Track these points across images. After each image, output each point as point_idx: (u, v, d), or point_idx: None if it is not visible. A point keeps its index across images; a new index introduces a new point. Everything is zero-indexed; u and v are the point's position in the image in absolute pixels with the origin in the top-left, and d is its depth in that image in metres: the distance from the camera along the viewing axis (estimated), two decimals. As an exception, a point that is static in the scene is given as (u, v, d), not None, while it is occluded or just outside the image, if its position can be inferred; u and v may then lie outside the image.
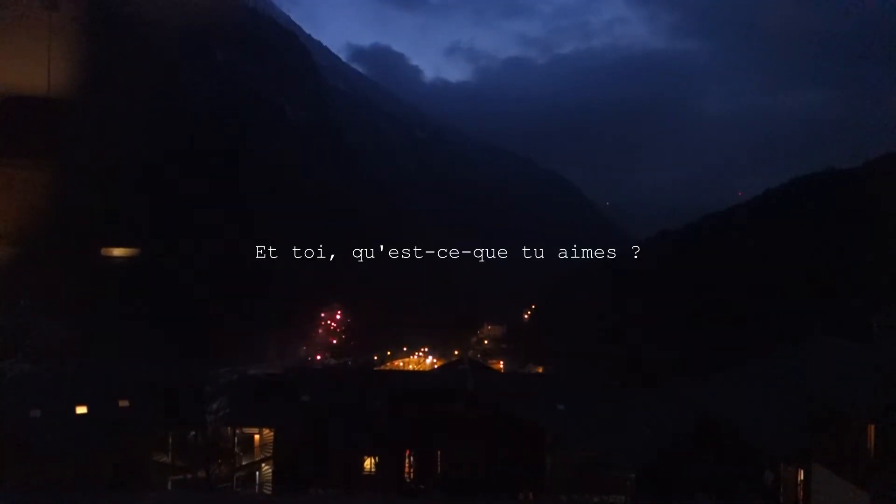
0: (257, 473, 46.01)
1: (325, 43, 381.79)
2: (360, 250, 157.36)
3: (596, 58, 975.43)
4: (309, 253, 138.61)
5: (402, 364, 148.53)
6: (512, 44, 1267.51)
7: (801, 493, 28.13)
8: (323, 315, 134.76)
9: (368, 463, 43.09)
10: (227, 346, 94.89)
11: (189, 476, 41.98)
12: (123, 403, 42.97)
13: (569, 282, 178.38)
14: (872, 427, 23.63)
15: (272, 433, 44.79)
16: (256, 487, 45.41)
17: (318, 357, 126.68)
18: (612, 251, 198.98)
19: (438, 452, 41.94)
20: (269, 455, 45.12)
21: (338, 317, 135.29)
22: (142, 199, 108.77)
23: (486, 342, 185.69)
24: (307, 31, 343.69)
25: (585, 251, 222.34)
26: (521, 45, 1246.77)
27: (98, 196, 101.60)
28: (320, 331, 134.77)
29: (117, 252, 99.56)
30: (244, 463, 45.58)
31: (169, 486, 41.46)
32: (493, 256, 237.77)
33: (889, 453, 22.63)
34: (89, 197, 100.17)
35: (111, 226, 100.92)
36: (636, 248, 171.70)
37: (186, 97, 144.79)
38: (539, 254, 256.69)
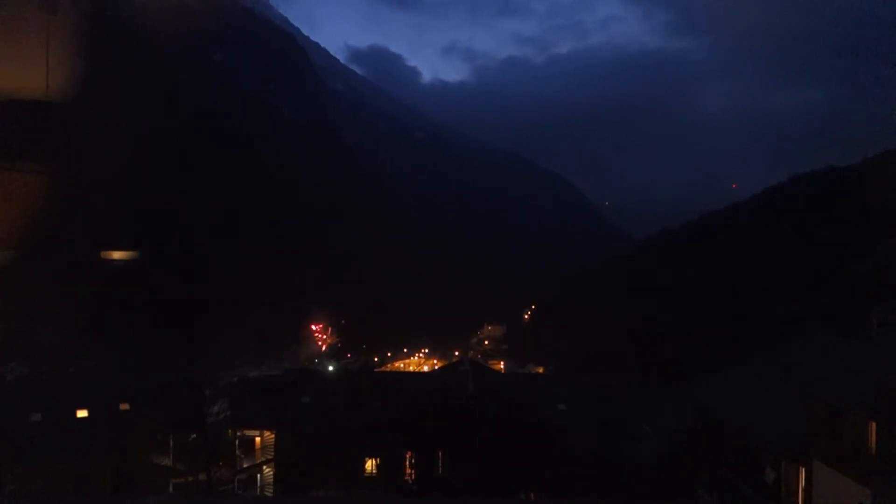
0: (259, 476, 45.95)
1: (322, 44, 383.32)
2: (360, 251, 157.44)
3: (593, 57, 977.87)
4: (308, 254, 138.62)
5: (402, 365, 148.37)
6: (509, 43, 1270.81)
7: (803, 491, 28.10)
8: (322, 317, 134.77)
9: (370, 464, 43.06)
10: (227, 349, 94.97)
11: (190, 479, 41.92)
12: (124, 407, 42.91)
13: (569, 281, 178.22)
14: (874, 424, 23.61)
15: (273, 435, 44.74)
16: (258, 490, 45.36)
17: (318, 358, 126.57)
18: (612, 250, 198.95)
19: (439, 453, 41.88)
20: (270, 457, 45.06)
21: (337, 319, 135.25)
22: (141, 203, 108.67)
23: (486, 342, 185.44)
24: (305, 33, 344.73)
25: (585, 251, 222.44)
26: (517, 44, 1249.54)
27: (97, 199, 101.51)
28: (320, 333, 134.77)
29: (116, 255, 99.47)
30: (245, 465, 45.54)
31: (170, 490, 41.40)
32: (493, 256, 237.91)
33: (891, 450, 22.61)
34: (88, 200, 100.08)
35: (110, 229, 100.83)
36: (636, 248, 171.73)
37: (185, 99, 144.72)
38: (539, 254, 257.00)
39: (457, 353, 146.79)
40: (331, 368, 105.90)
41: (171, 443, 42.73)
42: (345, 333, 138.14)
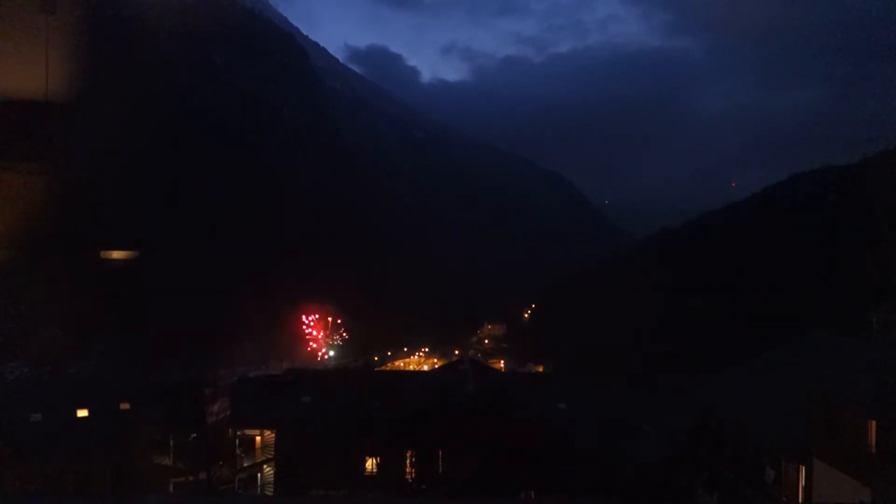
0: (259, 475, 45.96)
1: (322, 44, 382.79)
2: (360, 251, 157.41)
3: (592, 56, 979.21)
4: (308, 254, 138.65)
5: (402, 364, 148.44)
6: (508, 43, 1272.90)
7: (803, 490, 28.13)
8: (323, 316, 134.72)
9: (370, 464, 43.07)
10: (226, 349, 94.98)
11: (191, 478, 41.91)
12: (124, 406, 42.92)
13: (568, 281, 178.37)
14: (873, 423, 23.65)
15: (273, 435, 44.77)
16: (258, 489, 45.36)
17: (319, 358, 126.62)
18: (612, 250, 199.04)
19: (440, 452, 41.89)
20: (270, 457, 45.08)
21: (338, 318, 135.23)
22: (140, 202, 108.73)
23: (486, 342, 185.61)
24: (304, 33, 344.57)
25: (585, 250, 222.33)
26: (517, 43, 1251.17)
27: (97, 199, 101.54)
28: (320, 332, 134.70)
29: (116, 255, 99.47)
30: (246, 465, 45.52)
31: (170, 489, 41.41)
32: (493, 256, 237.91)
33: (890, 449, 22.64)
34: (88, 200, 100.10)
35: (110, 229, 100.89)
36: (636, 247, 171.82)
37: (184, 99, 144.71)
38: (539, 254, 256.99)
39: (457, 353, 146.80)
40: (331, 367, 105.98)
41: (172, 442, 42.73)
42: (345, 333, 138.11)
